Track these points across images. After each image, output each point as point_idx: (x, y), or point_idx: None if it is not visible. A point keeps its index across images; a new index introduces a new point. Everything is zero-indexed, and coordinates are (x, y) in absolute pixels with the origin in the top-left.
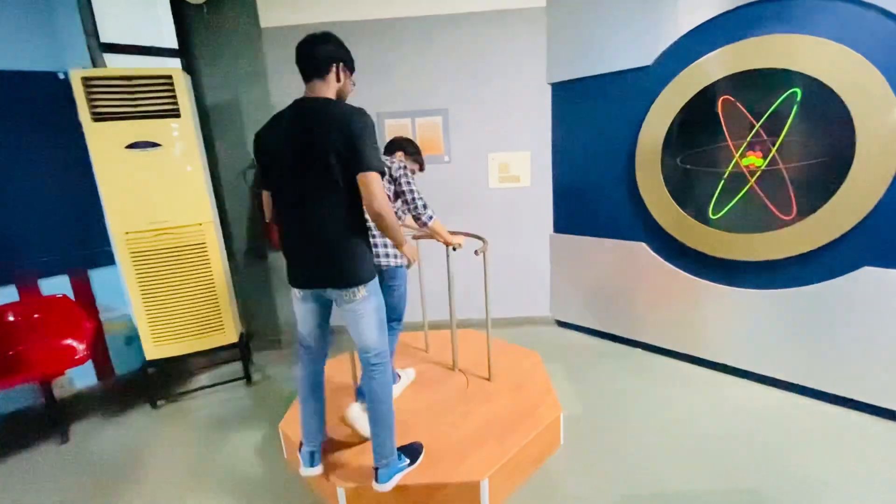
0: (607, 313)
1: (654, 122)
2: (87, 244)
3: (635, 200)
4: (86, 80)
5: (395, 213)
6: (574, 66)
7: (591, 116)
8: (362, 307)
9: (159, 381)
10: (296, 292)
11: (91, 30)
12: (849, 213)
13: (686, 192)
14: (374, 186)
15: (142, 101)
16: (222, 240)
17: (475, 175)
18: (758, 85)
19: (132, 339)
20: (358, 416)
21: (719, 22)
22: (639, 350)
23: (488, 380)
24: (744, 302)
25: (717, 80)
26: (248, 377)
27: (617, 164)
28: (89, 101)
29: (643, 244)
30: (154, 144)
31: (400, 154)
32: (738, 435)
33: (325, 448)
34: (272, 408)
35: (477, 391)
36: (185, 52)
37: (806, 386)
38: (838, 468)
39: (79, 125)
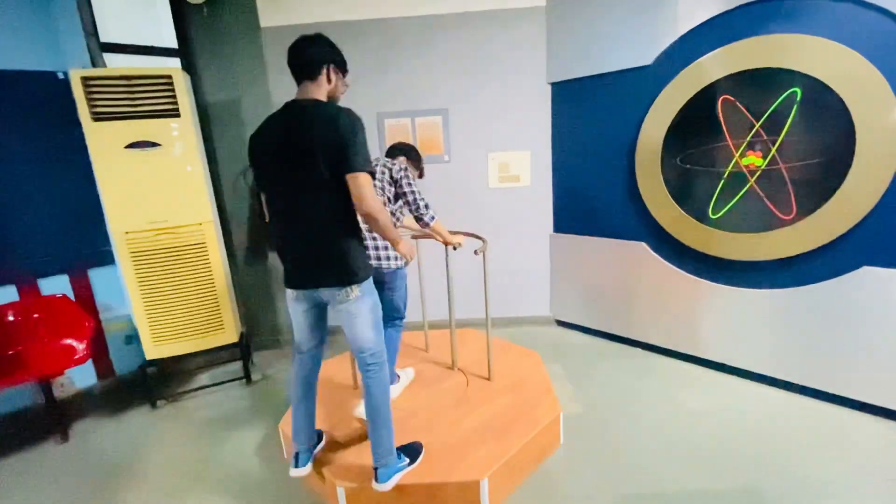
0: (607, 313)
1: (654, 121)
2: (87, 244)
3: (635, 200)
4: (85, 80)
5: (393, 213)
6: (574, 65)
7: (591, 116)
8: (356, 307)
9: (159, 381)
10: (290, 293)
11: (91, 29)
12: (849, 213)
13: (686, 191)
14: (364, 187)
15: (141, 100)
16: (222, 239)
17: (475, 175)
18: (758, 84)
19: (132, 338)
20: None
21: (719, 21)
22: (639, 350)
23: (488, 379)
24: (744, 302)
25: (717, 80)
26: (248, 377)
27: (617, 163)
28: (89, 100)
29: (643, 244)
30: (154, 144)
31: (402, 158)
32: (737, 434)
33: (325, 448)
34: (272, 407)
35: (477, 391)
36: (184, 51)
37: (806, 385)
38: (838, 468)
39: (78, 125)
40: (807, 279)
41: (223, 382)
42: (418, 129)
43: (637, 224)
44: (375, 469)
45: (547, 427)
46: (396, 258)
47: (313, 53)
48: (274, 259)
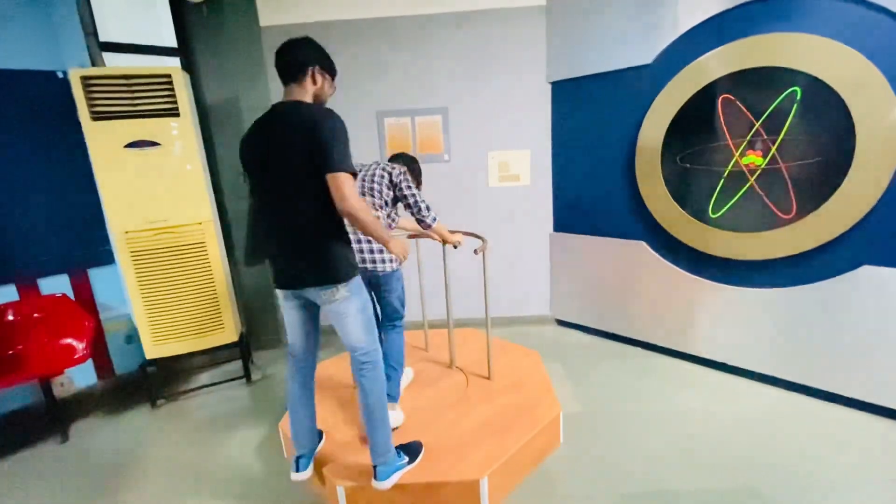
0: (607, 312)
1: (654, 120)
2: (87, 243)
3: (635, 199)
4: (85, 79)
5: (389, 215)
6: (574, 64)
7: (591, 115)
8: (345, 307)
9: (159, 381)
10: (279, 293)
11: (90, 29)
12: (848, 212)
13: (686, 190)
14: (344, 186)
15: (141, 100)
16: (222, 239)
17: (475, 174)
18: (758, 83)
19: (132, 338)
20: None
21: (719, 20)
22: (639, 349)
23: (488, 379)
24: (743, 301)
25: (717, 79)
26: (248, 376)
27: (617, 162)
28: (88, 100)
29: (643, 243)
30: (153, 143)
31: (402, 165)
32: (737, 433)
33: (325, 447)
34: (272, 407)
35: (477, 390)
36: (184, 50)
37: (806, 385)
38: (838, 467)
39: (78, 124)
40: (806, 278)
41: (223, 382)
42: (418, 128)
43: (637, 223)
44: (375, 467)
45: (547, 426)
46: (391, 260)
47: (298, 56)
48: None
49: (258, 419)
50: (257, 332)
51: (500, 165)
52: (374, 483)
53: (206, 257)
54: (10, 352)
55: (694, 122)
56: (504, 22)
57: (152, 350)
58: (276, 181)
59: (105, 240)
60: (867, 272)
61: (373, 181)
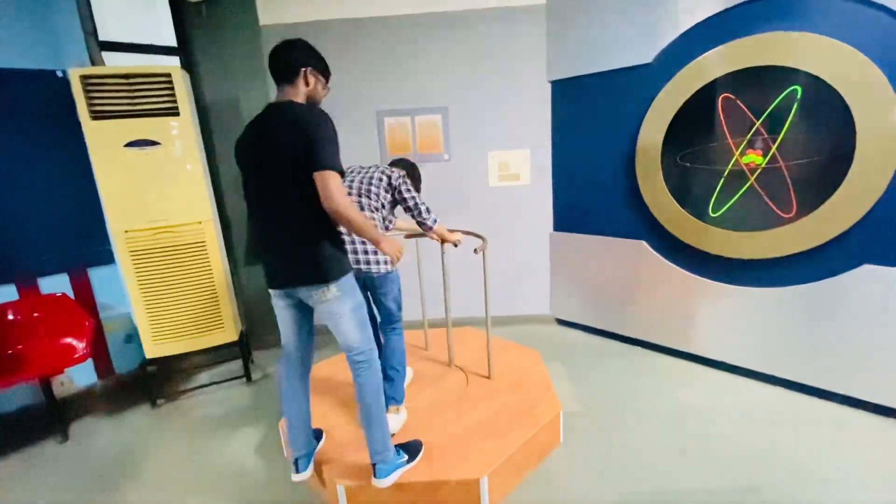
0: (607, 311)
1: (654, 119)
2: (87, 243)
3: (635, 198)
4: (84, 79)
5: (385, 218)
6: (574, 63)
7: (591, 114)
8: (337, 307)
9: (159, 380)
10: (272, 293)
11: (90, 28)
12: (849, 211)
13: (686, 189)
14: (330, 184)
15: (141, 99)
16: (222, 238)
17: (475, 173)
18: (758, 82)
19: (132, 337)
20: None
21: (720, 19)
22: (639, 348)
23: (488, 378)
24: (744, 300)
25: (718, 78)
26: (248, 375)
27: (617, 162)
28: (88, 99)
29: (643, 242)
30: (153, 143)
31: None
32: (738, 432)
33: (325, 446)
34: (272, 406)
35: (477, 389)
36: (183, 49)
37: (807, 384)
38: (839, 466)
39: (78, 123)
40: (807, 277)
41: (223, 381)
42: (418, 127)
43: (637, 222)
44: (374, 465)
45: (547, 425)
46: (386, 262)
47: (291, 57)
48: None
49: (258, 418)
50: (257, 331)
51: (500, 165)
52: (374, 481)
53: (206, 256)
54: (10, 351)
55: (694, 122)
56: (504, 21)
57: (152, 349)
58: (266, 180)
59: (105, 239)
60: (867, 271)
61: (370, 183)
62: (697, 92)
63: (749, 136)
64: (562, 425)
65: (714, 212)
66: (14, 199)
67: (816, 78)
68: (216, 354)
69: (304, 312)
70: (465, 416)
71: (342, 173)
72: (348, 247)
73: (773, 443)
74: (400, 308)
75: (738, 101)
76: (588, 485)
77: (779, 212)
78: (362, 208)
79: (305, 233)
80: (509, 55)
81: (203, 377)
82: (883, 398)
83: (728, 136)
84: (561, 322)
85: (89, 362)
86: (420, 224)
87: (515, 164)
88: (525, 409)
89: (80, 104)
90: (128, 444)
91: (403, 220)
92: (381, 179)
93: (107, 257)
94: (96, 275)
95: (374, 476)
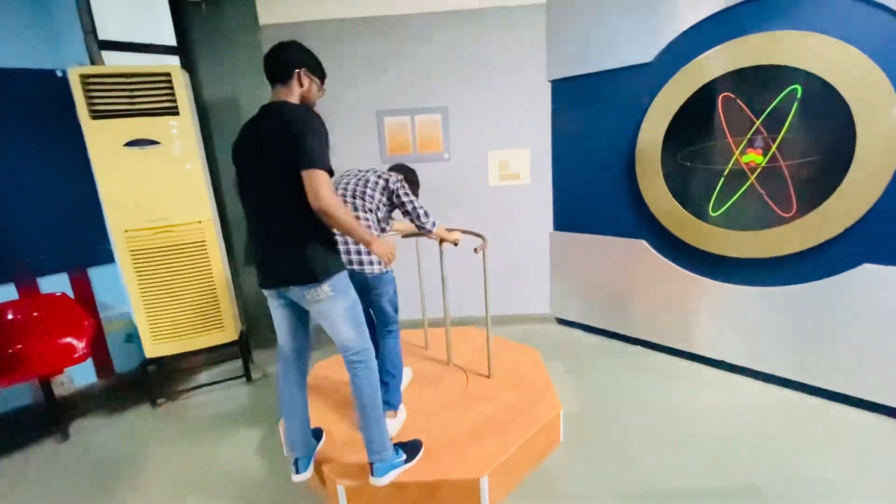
0: (607, 311)
1: (655, 119)
2: (87, 242)
3: (635, 198)
4: (84, 78)
5: (381, 221)
6: (574, 62)
7: (591, 113)
8: (330, 307)
9: (159, 379)
10: (266, 293)
11: (89, 27)
12: (849, 211)
13: (686, 189)
14: (318, 182)
15: (140, 98)
16: (222, 237)
17: (475, 173)
18: (758, 82)
19: (132, 336)
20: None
21: (720, 18)
22: (639, 347)
23: (488, 377)
24: (744, 299)
25: (718, 77)
26: (248, 375)
27: (617, 161)
28: (88, 98)
29: (643, 241)
30: (153, 142)
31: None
32: (738, 432)
33: (325, 445)
34: (272, 406)
35: (477, 388)
36: (183, 49)
37: (807, 383)
38: (838, 465)
39: (77, 123)
40: (807, 276)
41: (223, 381)
42: (418, 127)
43: (637, 222)
44: (371, 464)
45: (547, 425)
46: (379, 262)
47: (285, 58)
48: None
49: (258, 418)
50: (257, 330)
51: (500, 164)
52: (371, 480)
53: (206, 256)
54: (10, 351)
55: (694, 121)
56: (504, 20)
57: (152, 349)
58: (258, 180)
59: (105, 239)
60: (867, 270)
61: (366, 185)
62: (698, 91)
63: (749, 135)
64: (562, 425)
65: (714, 211)
66: (14, 199)
67: (817, 77)
68: (216, 354)
69: (299, 312)
70: (466, 416)
71: (331, 172)
72: (341, 247)
73: (773, 442)
74: (396, 310)
75: (739, 101)
76: (588, 484)
77: (779, 211)
78: (356, 210)
79: (296, 232)
80: (509, 54)
81: (203, 377)
82: (883, 397)
83: (728, 135)
84: (561, 321)
85: (89, 362)
86: (420, 228)
87: (515, 164)
88: (525, 409)
89: (79, 104)
90: (128, 443)
91: (402, 221)
92: (376, 182)
93: (107, 257)
94: (96, 274)
95: (372, 475)
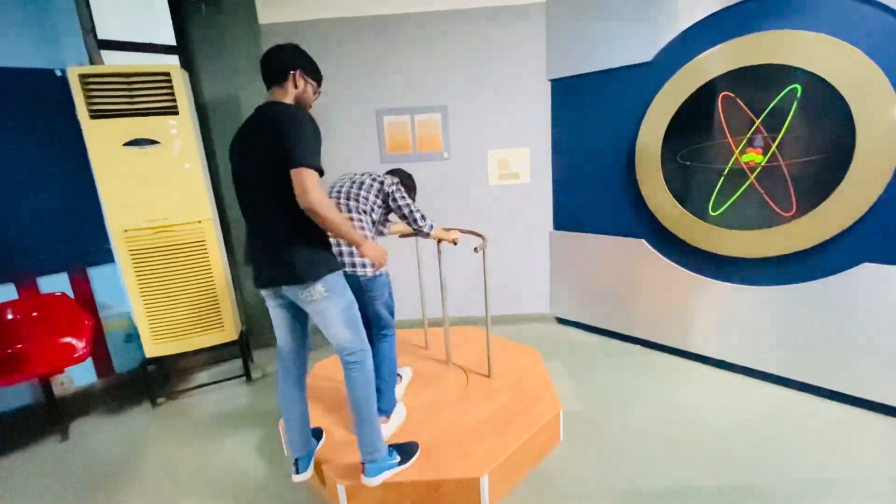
0: (607, 310)
1: (654, 118)
2: (86, 242)
3: (635, 197)
4: (83, 78)
5: (376, 223)
6: (574, 62)
7: (591, 113)
8: (325, 306)
9: (159, 379)
10: (263, 293)
11: (89, 26)
12: (849, 210)
13: (686, 188)
14: (306, 181)
15: (140, 98)
16: (222, 237)
17: (474, 172)
18: (758, 81)
19: (132, 336)
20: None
21: (720, 18)
22: (639, 347)
23: (488, 377)
24: (744, 299)
25: (718, 77)
26: (248, 375)
27: (617, 160)
28: (87, 98)
29: (643, 241)
30: (152, 142)
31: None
32: (738, 432)
33: (325, 445)
34: (272, 405)
35: (477, 388)
36: (183, 48)
37: (807, 383)
38: (839, 465)
39: (76, 122)
40: (807, 276)
41: (223, 380)
42: (417, 126)
43: (637, 221)
44: (363, 464)
45: (547, 424)
46: (372, 264)
47: (280, 60)
48: None
49: (258, 418)
50: (257, 330)
51: (499, 163)
52: (363, 479)
53: (206, 256)
54: (10, 351)
55: (694, 120)
56: (504, 19)
57: (152, 349)
58: (252, 180)
59: (104, 238)
60: (868, 269)
61: (360, 187)
62: (697, 90)
63: (749, 134)
64: (562, 424)
65: (714, 210)
66: (13, 199)
67: (816, 76)
68: (216, 354)
69: (297, 312)
70: (465, 415)
71: (321, 172)
72: (334, 248)
73: (773, 442)
74: (392, 314)
75: (738, 100)
76: (588, 484)
77: (779, 210)
78: (349, 211)
79: (289, 232)
80: (509, 53)
81: (203, 376)
82: (884, 397)
83: (728, 134)
84: (561, 321)
85: (89, 362)
86: (417, 231)
87: (515, 163)
88: (525, 409)
89: (78, 103)
90: (128, 443)
91: (400, 223)
92: (371, 185)
93: (106, 256)
94: (96, 274)
95: (363, 474)
